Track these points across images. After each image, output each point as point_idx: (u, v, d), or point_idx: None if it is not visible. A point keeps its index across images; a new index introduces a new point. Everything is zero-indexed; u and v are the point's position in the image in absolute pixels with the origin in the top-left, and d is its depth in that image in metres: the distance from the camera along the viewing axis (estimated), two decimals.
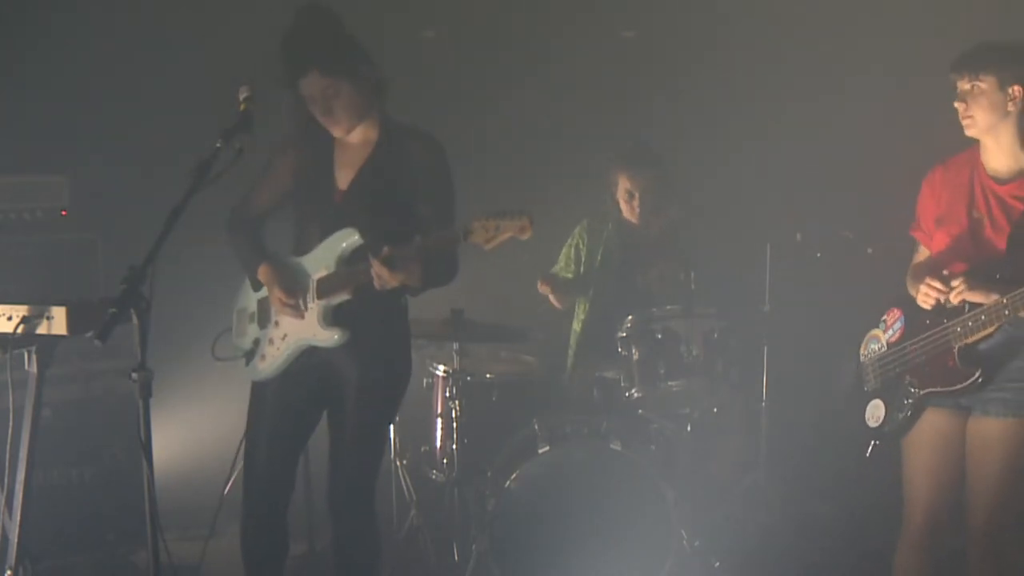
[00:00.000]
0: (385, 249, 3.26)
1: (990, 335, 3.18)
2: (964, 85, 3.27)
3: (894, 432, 3.42)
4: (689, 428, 4.51)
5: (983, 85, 3.23)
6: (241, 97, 3.22)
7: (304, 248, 3.53)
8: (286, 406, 3.54)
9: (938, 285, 3.23)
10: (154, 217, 2.85)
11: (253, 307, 3.65)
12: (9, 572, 3.46)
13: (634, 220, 4.82)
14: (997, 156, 3.31)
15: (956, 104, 3.29)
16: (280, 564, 3.59)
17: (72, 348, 4.11)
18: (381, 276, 3.26)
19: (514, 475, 4.05)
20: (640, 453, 4.14)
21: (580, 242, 4.91)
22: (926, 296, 3.27)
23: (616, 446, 4.08)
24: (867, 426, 3.50)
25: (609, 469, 4.08)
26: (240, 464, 3.66)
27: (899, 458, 3.47)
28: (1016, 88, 3.22)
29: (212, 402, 4.97)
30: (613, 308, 4.65)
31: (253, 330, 3.63)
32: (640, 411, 4.44)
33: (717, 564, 4.30)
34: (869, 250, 4.63)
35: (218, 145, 3.04)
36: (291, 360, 3.50)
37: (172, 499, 3.59)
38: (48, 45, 4.96)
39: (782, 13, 5.33)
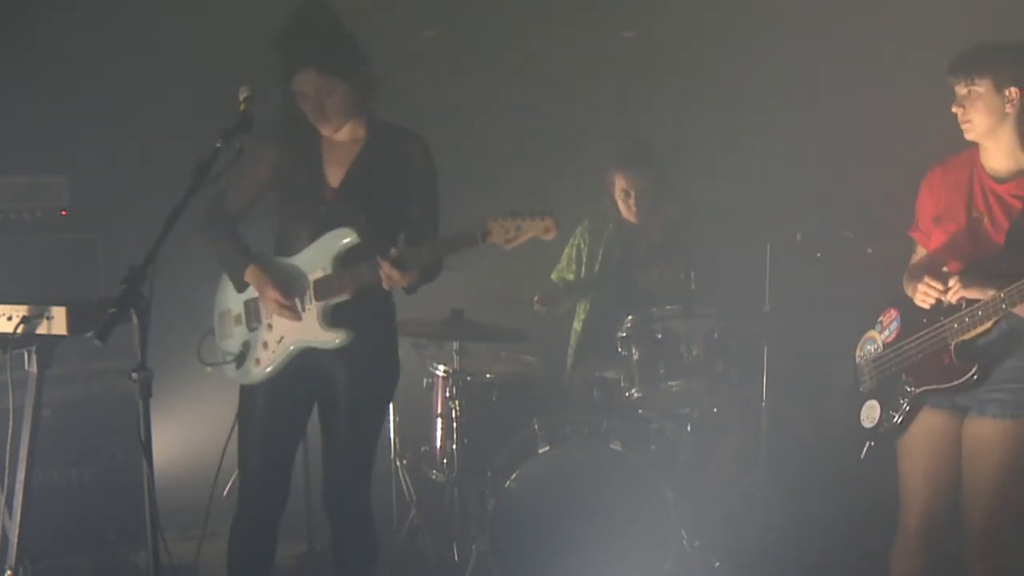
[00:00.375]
0: (393, 250, 3.25)
1: (987, 331, 3.18)
2: (961, 90, 3.27)
3: (890, 433, 3.41)
4: (689, 428, 4.51)
5: (980, 89, 3.22)
6: (241, 97, 3.22)
7: (292, 248, 3.47)
8: (278, 409, 3.51)
9: (936, 284, 3.23)
10: (154, 217, 2.85)
11: (239, 309, 3.58)
12: (9, 572, 3.46)
13: (632, 220, 4.82)
14: (997, 157, 3.30)
15: (954, 109, 3.28)
16: (266, 570, 3.58)
17: (72, 348, 4.10)
18: (392, 277, 3.25)
19: (514, 475, 4.05)
20: (640, 453, 4.14)
21: (581, 242, 4.92)
22: (925, 295, 3.27)
23: (616, 446, 4.08)
24: (862, 427, 3.49)
25: (609, 469, 4.08)
26: (237, 468, 3.62)
27: (895, 457, 3.46)
28: (1013, 90, 3.21)
29: (212, 402, 4.95)
30: (613, 308, 4.65)
31: (240, 332, 3.57)
32: (640, 411, 4.44)
33: (717, 564, 4.30)
34: (869, 250, 4.63)
35: (218, 145, 3.04)
36: (287, 363, 3.48)
37: (172, 499, 3.58)
38: (48, 45, 4.96)
39: (782, 13, 5.33)
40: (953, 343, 3.23)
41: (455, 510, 4.44)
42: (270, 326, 3.49)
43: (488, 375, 4.61)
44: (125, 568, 4.48)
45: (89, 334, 3.16)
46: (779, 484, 4.87)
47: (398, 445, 4.93)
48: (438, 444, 4.63)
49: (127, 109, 5.13)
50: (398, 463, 4.89)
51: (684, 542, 4.13)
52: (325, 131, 3.47)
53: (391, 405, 3.64)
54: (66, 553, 4.31)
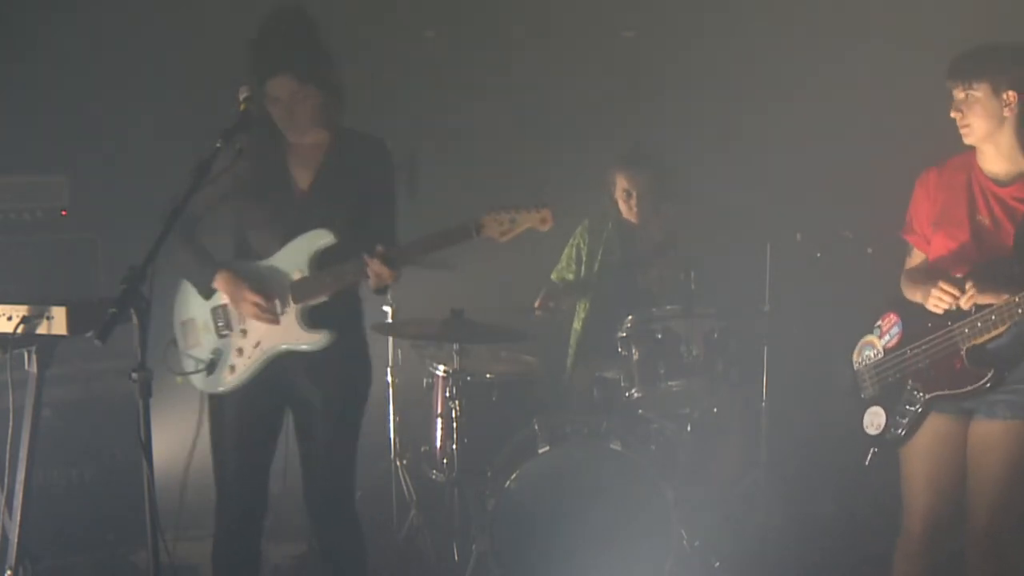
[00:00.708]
0: (379, 248, 3.25)
1: (999, 335, 3.16)
2: (959, 94, 3.25)
3: (897, 440, 3.38)
4: (689, 428, 4.51)
5: (977, 93, 3.21)
6: (241, 97, 3.22)
7: (261, 252, 3.43)
8: (251, 417, 3.47)
9: (951, 289, 3.19)
10: (154, 217, 2.86)
11: (205, 316, 3.49)
12: (9, 572, 3.46)
13: (633, 220, 4.83)
14: (996, 160, 3.29)
15: (952, 114, 3.27)
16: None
17: (72, 348, 4.09)
18: (381, 275, 3.26)
19: (514, 475, 4.04)
20: (640, 453, 4.14)
21: (581, 242, 4.92)
22: (939, 301, 3.22)
23: (616, 446, 4.08)
24: (866, 433, 3.45)
25: (609, 469, 4.08)
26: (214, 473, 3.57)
27: (898, 459, 3.45)
28: (1011, 94, 3.19)
29: None
30: (613, 308, 4.65)
31: (209, 340, 3.48)
32: (640, 411, 4.44)
33: (717, 564, 4.30)
34: (869, 250, 4.63)
35: (218, 145, 3.05)
36: (263, 368, 3.43)
37: (172, 499, 3.57)
38: (48, 45, 4.95)
39: (782, 13, 5.33)
40: (964, 348, 3.21)
41: (455, 510, 4.44)
42: (244, 331, 3.45)
43: (488, 375, 4.61)
44: (125, 568, 4.48)
45: (89, 334, 3.16)
46: (779, 484, 4.87)
47: (398, 445, 4.94)
48: (438, 444, 4.63)
49: (127, 109, 5.13)
50: (398, 463, 4.89)
51: (684, 542, 4.14)
52: (292, 137, 3.45)
53: (366, 405, 3.58)
54: (66, 553, 4.31)
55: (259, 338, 3.43)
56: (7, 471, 3.53)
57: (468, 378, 4.45)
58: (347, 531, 3.55)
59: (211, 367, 3.46)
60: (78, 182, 4.73)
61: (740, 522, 4.73)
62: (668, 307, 4.40)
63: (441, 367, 4.59)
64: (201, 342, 3.50)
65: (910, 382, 3.35)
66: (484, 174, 5.62)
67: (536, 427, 4.15)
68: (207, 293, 3.47)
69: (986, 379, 3.18)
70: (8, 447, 3.54)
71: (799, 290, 5.05)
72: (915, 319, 3.35)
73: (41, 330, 3.32)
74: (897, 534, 3.48)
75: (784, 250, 4.81)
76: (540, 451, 4.06)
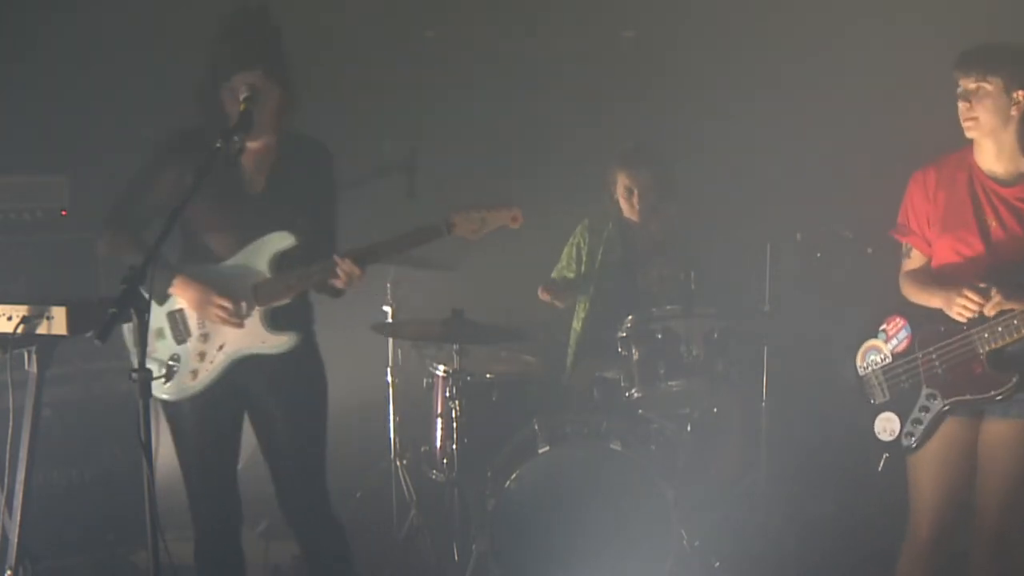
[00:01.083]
0: (350, 248, 3.27)
1: (1019, 339, 3.13)
2: (969, 84, 3.22)
3: (912, 446, 3.35)
4: (689, 428, 4.51)
5: (989, 87, 3.19)
6: (241, 97, 3.22)
7: (215, 255, 3.39)
8: (210, 424, 3.44)
9: (977, 298, 3.15)
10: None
11: (160, 322, 3.41)
12: (9, 572, 3.46)
13: (634, 218, 4.83)
14: (996, 158, 3.28)
15: (960, 103, 3.24)
16: None
17: (72, 348, 4.10)
18: (352, 274, 3.27)
19: (514, 475, 4.04)
20: (640, 453, 4.14)
21: (581, 241, 4.92)
22: (963, 309, 3.19)
23: (616, 446, 4.08)
24: (878, 439, 3.41)
25: (609, 469, 4.08)
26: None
27: (903, 462, 3.43)
28: (1021, 93, 3.18)
29: None
30: (613, 308, 4.65)
31: (165, 346, 3.42)
32: (640, 411, 4.44)
33: (717, 564, 4.30)
34: (869, 250, 4.63)
35: (218, 145, 3.04)
36: (224, 373, 3.40)
37: (172, 499, 3.57)
38: (48, 45, 4.95)
39: (782, 13, 5.33)
40: (984, 352, 3.19)
41: (455, 510, 4.44)
42: (205, 336, 3.40)
43: (488, 375, 4.61)
44: (125, 568, 4.48)
45: (89, 334, 3.16)
46: (779, 484, 4.87)
47: (398, 445, 4.94)
48: (438, 444, 4.63)
49: (127, 109, 5.13)
50: (398, 463, 4.89)
51: (684, 542, 4.13)
52: (247, 137, 3.34)
53: (328, 407, 3.57)
54: (66, 553, 4.31)
55: (223, 342, 3.39)
56: (7, 471, 3.52)
57: (468, 378, 4.45)
58: (328, 533, 3.54)
59: (171, 373, 3.39)
60: (78, 182, 4.73)
61: (740, 522, 4.73)
62: (668, 307, 4.39)
63: (441, 367, 4.59)
64: (156, 348, 3.42)
65: (925, 388, 3.32)
66: (483, 173, 5.62)
67: (536, 427, 4.15)
68: (161, 298, 3.40)
69: (1011, 384, 3.15)
70: (8, 447, 3.54)
71: (799, 290, 5.05)
72: (924, 323, 3.32)
73: (41, 330, 3.31)
74: (898, 534, 3.48)
75: (784, 250, 4.81)
76: (540, 451, 4.06)
